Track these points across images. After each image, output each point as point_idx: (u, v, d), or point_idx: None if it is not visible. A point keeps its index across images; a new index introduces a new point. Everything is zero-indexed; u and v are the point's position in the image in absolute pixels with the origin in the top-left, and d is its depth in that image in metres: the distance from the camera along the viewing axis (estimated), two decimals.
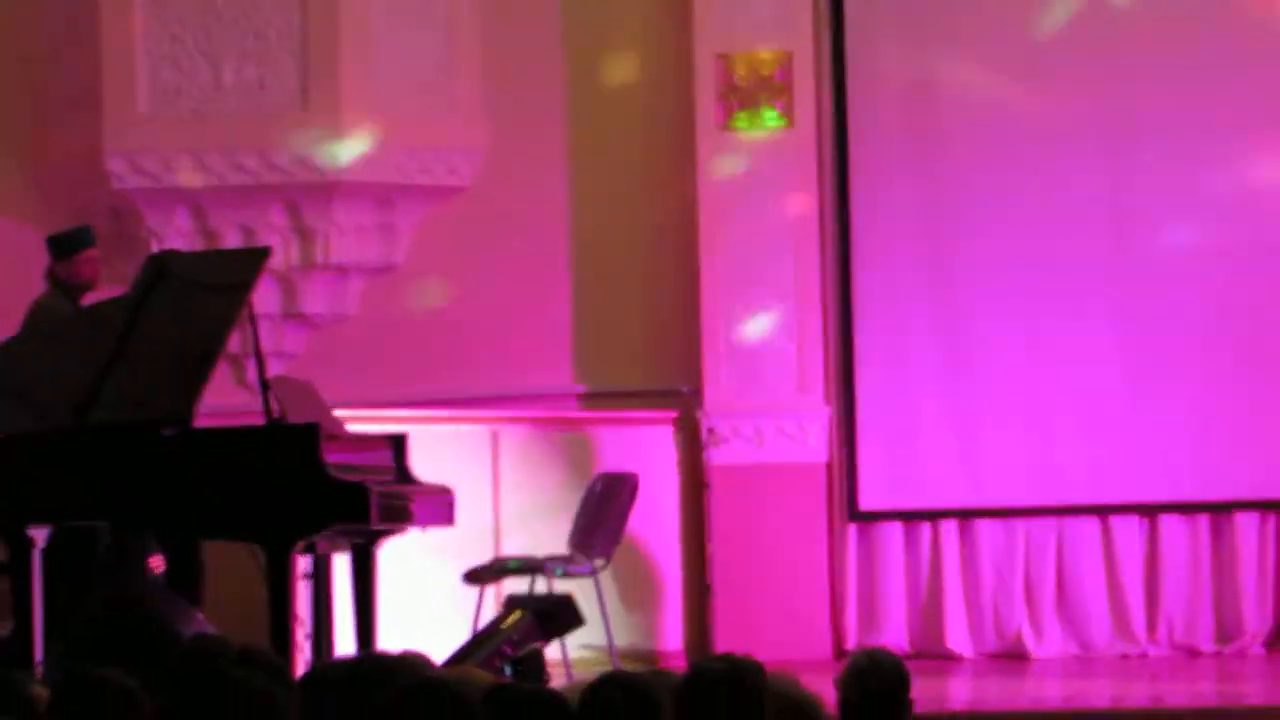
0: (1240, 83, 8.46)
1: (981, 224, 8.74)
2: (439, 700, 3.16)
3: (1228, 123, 8.48)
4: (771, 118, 8.69)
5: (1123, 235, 8.62)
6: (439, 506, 7.56)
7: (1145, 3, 8.61)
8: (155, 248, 8.76)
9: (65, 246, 8.17)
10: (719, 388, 8.94)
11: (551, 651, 7.98)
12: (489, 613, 8.11)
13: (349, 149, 9.09)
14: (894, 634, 8.56)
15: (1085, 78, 8.64)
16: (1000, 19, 8.74)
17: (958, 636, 8.67)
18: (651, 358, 9.36)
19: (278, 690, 3.22)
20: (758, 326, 8.99)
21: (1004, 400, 8.80)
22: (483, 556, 8.34)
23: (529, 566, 8.31)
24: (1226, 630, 8.53)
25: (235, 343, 7.59)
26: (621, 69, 9.55)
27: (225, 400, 7.88)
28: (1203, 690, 7.93)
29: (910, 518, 8.91)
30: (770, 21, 8.87)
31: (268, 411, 7.05)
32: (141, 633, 5.59)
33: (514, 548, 8.54)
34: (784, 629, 8.52)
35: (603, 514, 8.50)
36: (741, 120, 8.84)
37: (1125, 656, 8.53)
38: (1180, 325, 8.54)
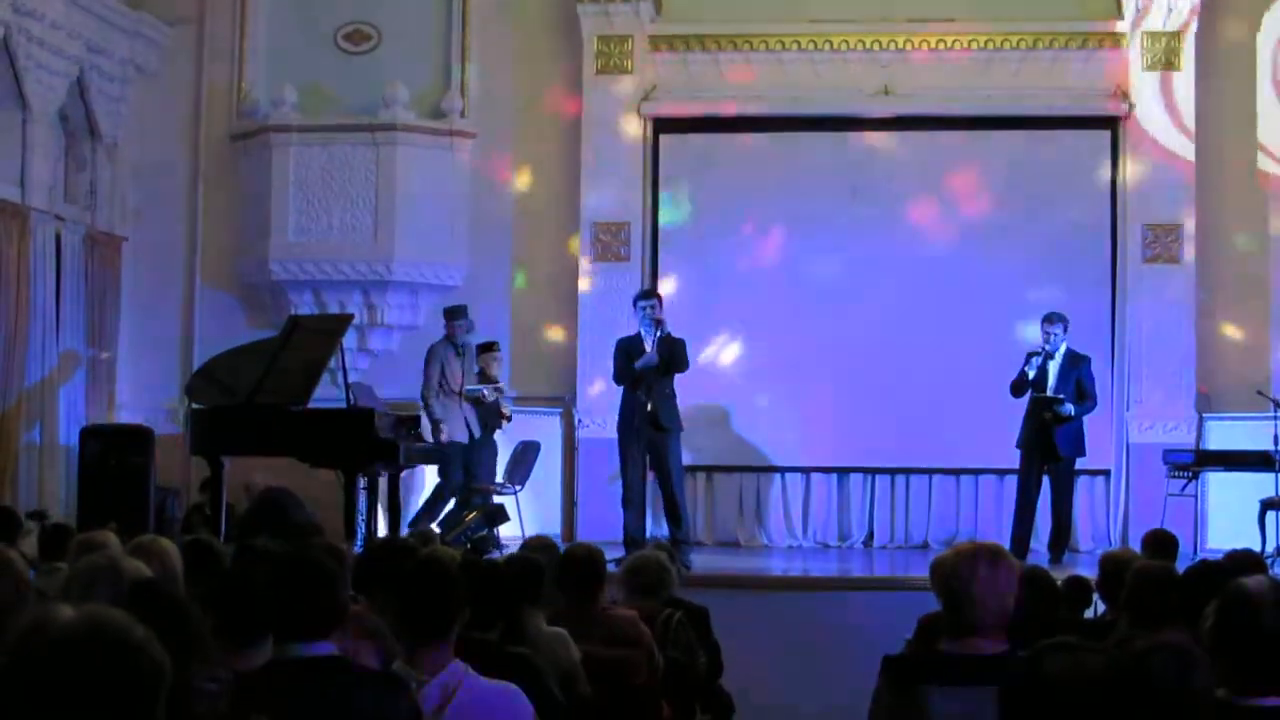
0: None
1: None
2: (435, 565, 3.61)
3: None
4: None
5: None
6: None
7: None
8: (293, 311, 11.19)
9: (449, 314, 10.56)
10: (586, 399, 11.79)
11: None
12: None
13: (396, 264, 11.83)
14: None
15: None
16: None
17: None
18: (553, 378, 12.11)
19: (333, 556, 3.44)
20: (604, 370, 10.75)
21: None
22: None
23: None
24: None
25: (334, 362, 9.55)
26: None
27: (327, 393, 10.01)
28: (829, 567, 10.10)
29: None
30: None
31: (348, 400, 9.33)
32: (278, 514, 5.85)
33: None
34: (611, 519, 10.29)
35: (522, 462, 11.15)
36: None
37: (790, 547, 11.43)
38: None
